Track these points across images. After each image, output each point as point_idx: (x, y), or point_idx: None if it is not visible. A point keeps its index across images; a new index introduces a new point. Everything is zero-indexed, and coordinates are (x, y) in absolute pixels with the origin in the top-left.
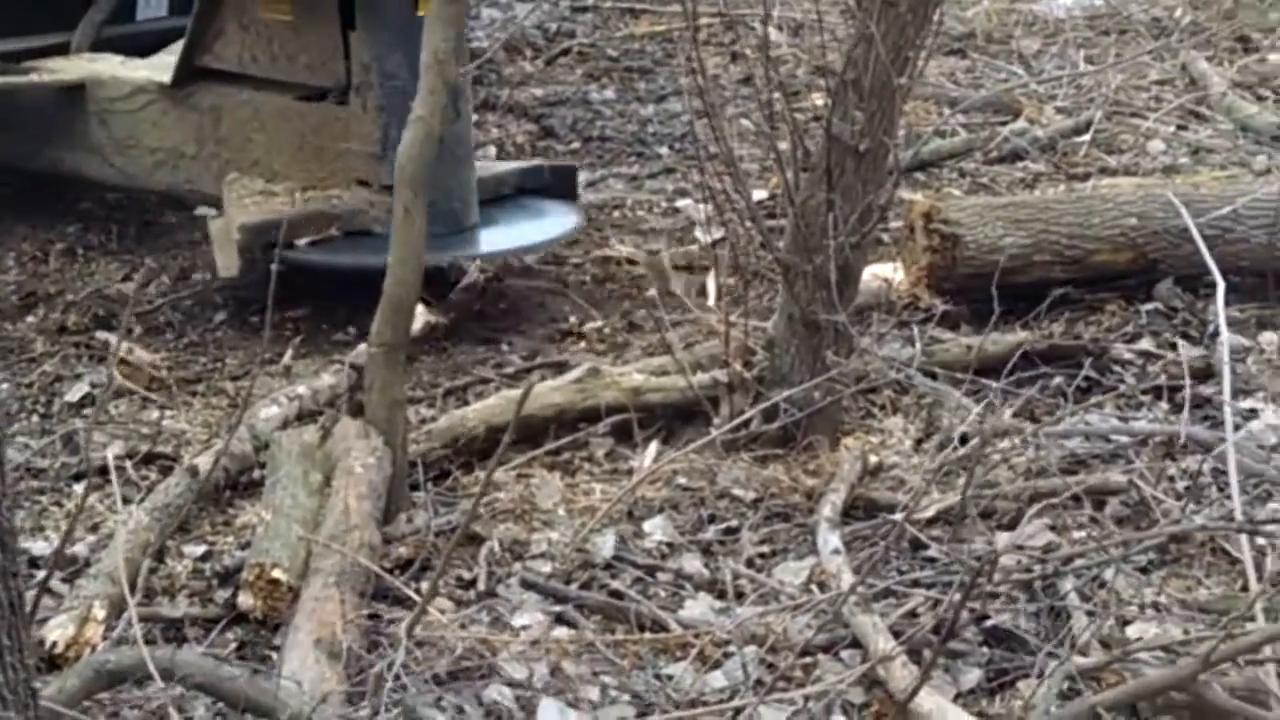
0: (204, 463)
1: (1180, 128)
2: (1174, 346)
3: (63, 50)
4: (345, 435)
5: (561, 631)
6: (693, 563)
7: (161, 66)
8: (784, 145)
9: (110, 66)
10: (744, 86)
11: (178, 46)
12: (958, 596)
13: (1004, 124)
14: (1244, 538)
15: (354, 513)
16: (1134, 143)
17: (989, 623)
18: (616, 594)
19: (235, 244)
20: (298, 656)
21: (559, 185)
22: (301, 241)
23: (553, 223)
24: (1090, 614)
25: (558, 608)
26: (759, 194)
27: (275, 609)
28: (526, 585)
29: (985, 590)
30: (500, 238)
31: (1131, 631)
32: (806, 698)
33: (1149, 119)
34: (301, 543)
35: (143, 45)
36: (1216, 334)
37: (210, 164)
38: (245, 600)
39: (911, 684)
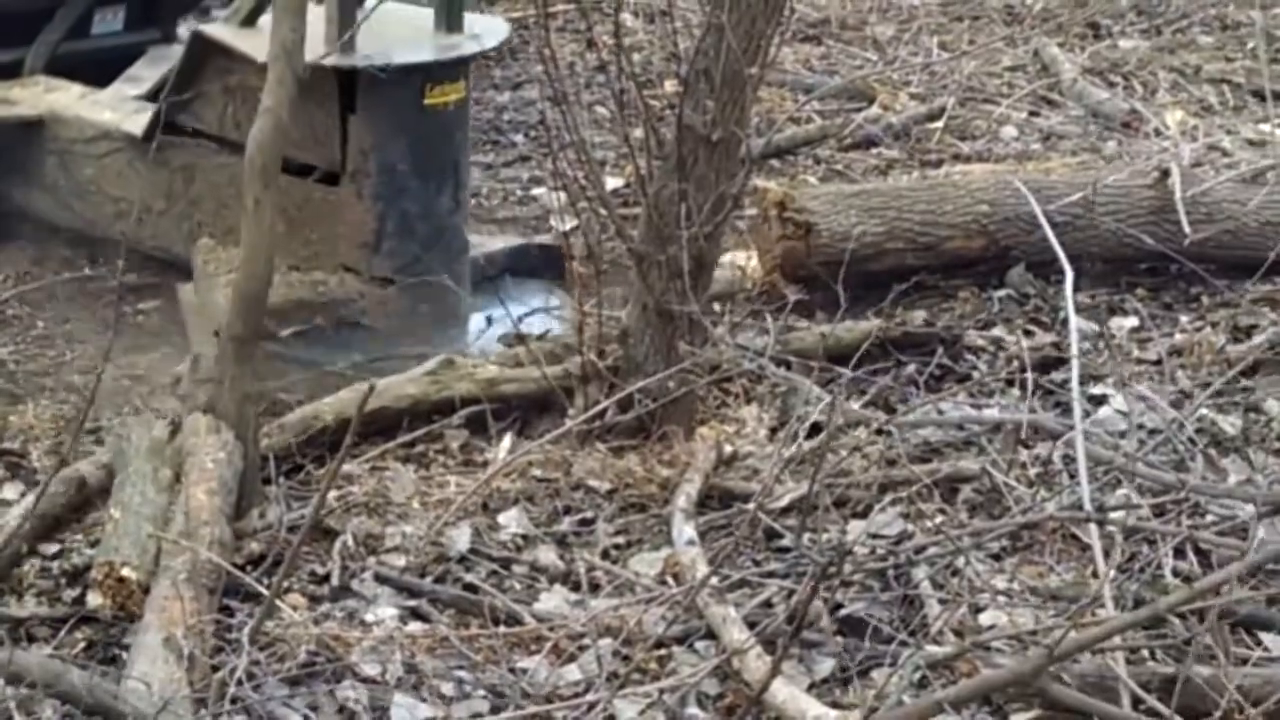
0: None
1: (1032, 114)
2: (1027, 333)
3: (15, 70)
4: (195, 430)
5: (415, 626)
6: (548, 555)
7: (124, 106)
8: (638, 134)
9: (71, 100)
10: (598, 74)
11: (137, 73)
12: (810, 587)
13: (858, 110)
14: (1093, 525)
15: (204, 509)
16: (987, 129)
17: (843, 612)
18: (471, 587)
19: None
20: (147, 657)
21: (546, 265)
22: (285, 332)
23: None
24: (943, 602)
25: (412, 602)
26: (614, 183)
27: (125, 608)
28: (380, 580)
29: (838, 580)
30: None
31: (984, 619)
32: (661, 690)
33: (1001, 105)
34: (151, 540)
35: (99, 61)
36: (1067, 321)
37: (180, 224)
38: (94, 599)
39: (765, 675)
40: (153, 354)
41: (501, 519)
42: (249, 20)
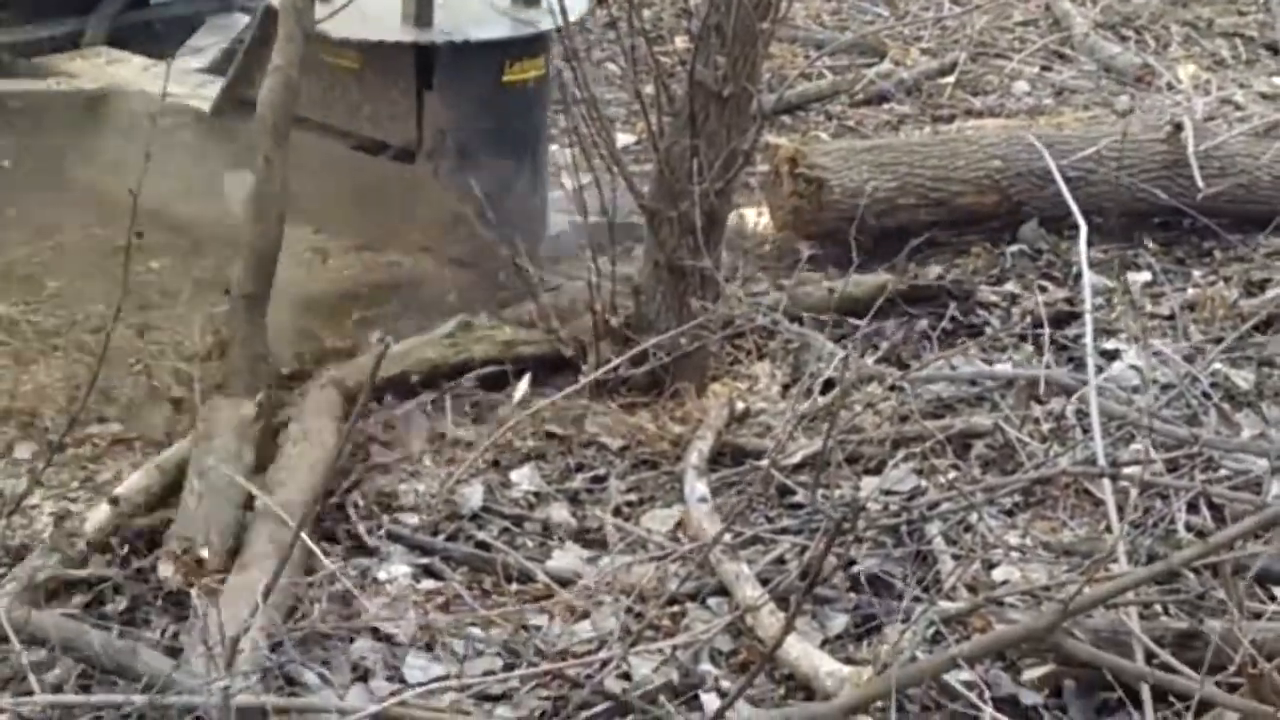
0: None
1: (1044, 69)
2: (1040, 289)
3: (74, 41)
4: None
5: (428, 584)
6: (560, 512)
7: (189, 79)
8: (649, 90)
9: (133, 73)
10: (609, 31)
11: (197, 44)
12: (823, 544)
13: (869, 66)
14: (1106, 481)
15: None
16: (998, 84)
17: (856, 568)
18: (483, 545)
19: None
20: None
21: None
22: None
23: None
24: (956, 558)
25: (425, 560)
26: (625, 139)
27: (192, 584)
28: (393, 538)
29: (852, 536)
30: None
31: (997, 574)
32: (675, 647)
33: (1013, 60)
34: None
35: (157, 32)
36: (1080, 276)
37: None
38: (165, 570)
39: (778, 631)
40: (164, 311)
41: (514, 476)
42: None
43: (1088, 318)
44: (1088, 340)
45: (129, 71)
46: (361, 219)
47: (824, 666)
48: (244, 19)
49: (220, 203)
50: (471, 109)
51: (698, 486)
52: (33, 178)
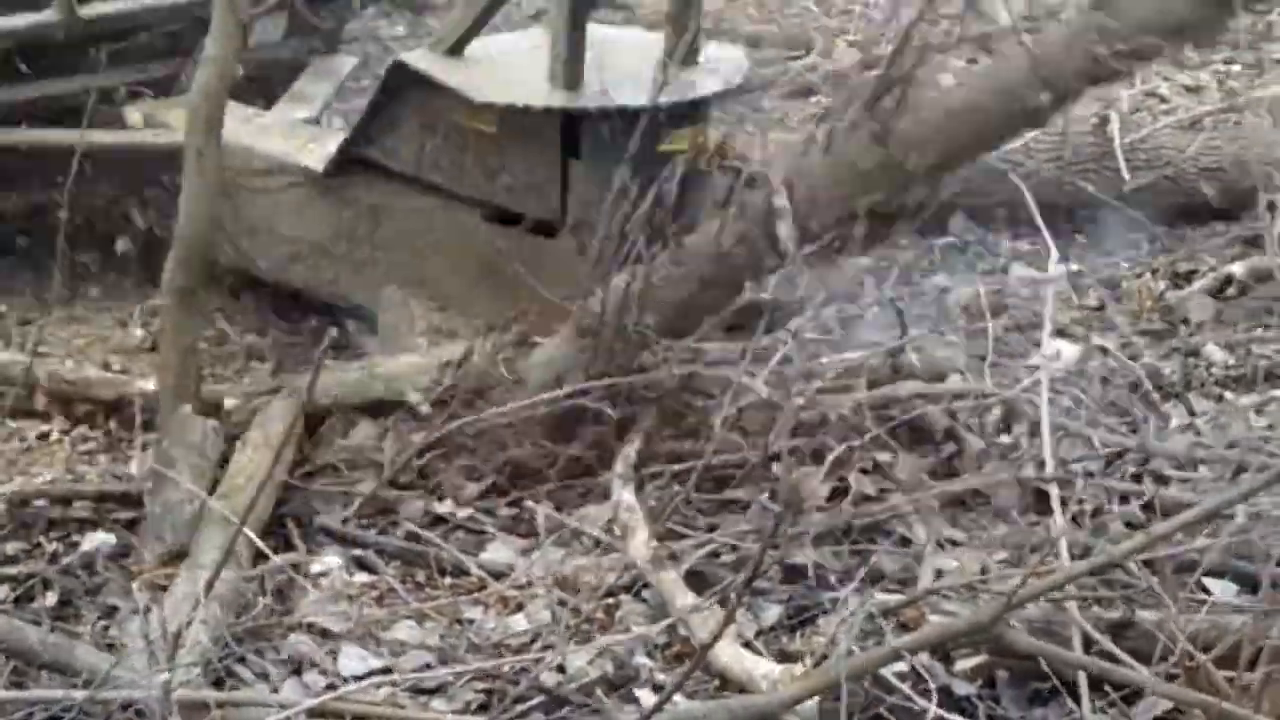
0: None
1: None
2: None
3: (167, 87)
4: None
5: (361, 577)
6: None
7: (297, 132)
8: None
9: (235, 124)
10: (534, 23)
11: (302, 90)
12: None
13: (796, 59)
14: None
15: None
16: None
17: (789, 560)
18: (414, 537)
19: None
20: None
21: None
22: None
23: None
24: (890, 552)
25: (357, 551)
26: None
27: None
28: (326, 532)
29: (789, 535)
30: None
31: (933, 566)
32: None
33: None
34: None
35: (256, 79)
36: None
37: (362, 269)
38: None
39: (714, 630)
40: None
41: None
42: (455, 50)
43: (1048, 309)
44: (1045, 334)
45: (230, 121)
46: (493, 297)
47: (758, 669)
48: (350, 61)
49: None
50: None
51: (624, 495)
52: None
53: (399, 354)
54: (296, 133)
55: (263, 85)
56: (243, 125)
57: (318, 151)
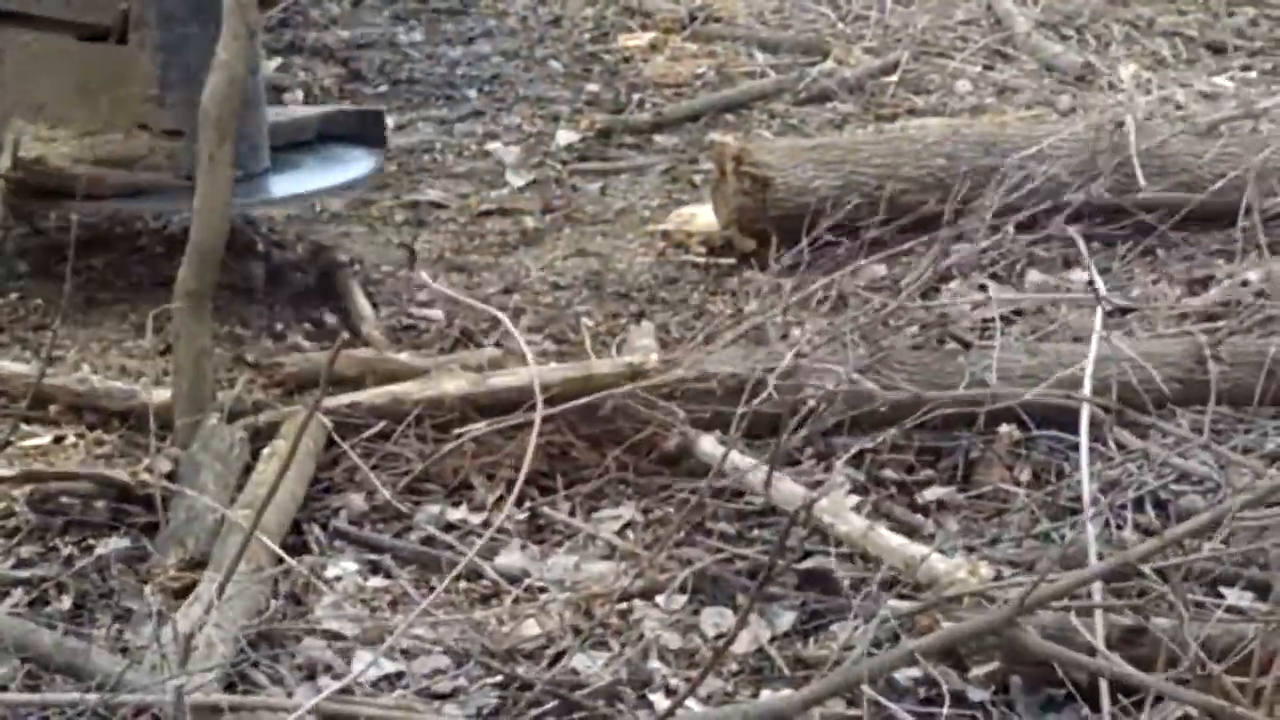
0: None
1: (986, 68)
2: (982, 288)
3: None
4: None
5: (376, 581)
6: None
7: None
8: (593, 87)
9: None
10: (553, 29)
11: None
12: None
13: (812, 65)
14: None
15: None
16: (941, 83)
17: (803, 565)
18: (430, 541)
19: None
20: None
21: (364, 130)
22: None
23: (348, 168)
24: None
25: (372, 556)
26: (570, 136)
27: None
28: (340, 535)
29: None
30: (289, 184)
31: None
32: (623, 644)
33: (955, 59)
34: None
35: None
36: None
37: None
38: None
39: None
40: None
41: None
42: None
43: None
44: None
45: None
46: (83, 109)
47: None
48: None
49: None
50: None
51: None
52: None
53: None
54: None
55: None
56: None
57: None
